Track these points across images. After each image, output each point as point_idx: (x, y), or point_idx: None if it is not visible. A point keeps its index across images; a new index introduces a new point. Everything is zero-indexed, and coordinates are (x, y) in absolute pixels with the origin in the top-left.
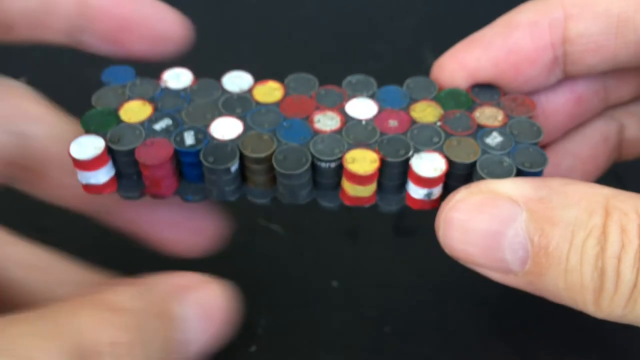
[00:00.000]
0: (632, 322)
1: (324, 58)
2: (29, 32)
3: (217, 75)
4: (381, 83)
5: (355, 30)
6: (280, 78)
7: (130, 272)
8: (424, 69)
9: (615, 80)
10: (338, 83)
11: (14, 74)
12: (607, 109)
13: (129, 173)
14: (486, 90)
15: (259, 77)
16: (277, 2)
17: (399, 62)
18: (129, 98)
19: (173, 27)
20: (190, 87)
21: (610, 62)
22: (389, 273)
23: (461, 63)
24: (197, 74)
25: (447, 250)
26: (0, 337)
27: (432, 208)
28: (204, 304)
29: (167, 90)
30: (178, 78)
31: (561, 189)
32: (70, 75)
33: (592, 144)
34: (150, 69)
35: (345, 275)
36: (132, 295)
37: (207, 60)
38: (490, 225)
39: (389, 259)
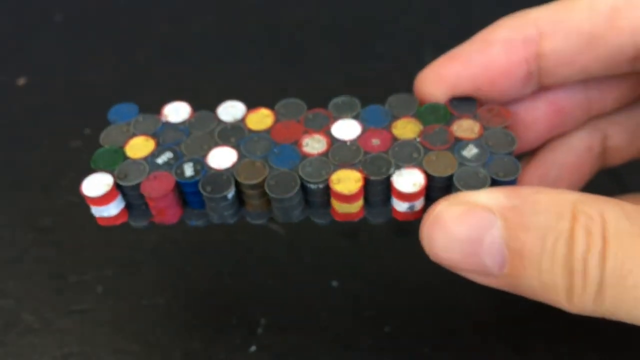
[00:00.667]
0: (603, 315)
1: (325, 58)
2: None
3: (219, 85)
4: (381, 84)
5: (356, 31)
6: (281, 81)
7: (130, 270)
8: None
9: (597, 92)
10: (338, 84)
11: (14, 75)
12: (591, 119)
13: (137, 204)
14: (464, 102)
15: (260, 81)
16: (277, 3)
17: (400, 62)
18: (134, 134)
19: None
20: (189, 119)
21: (583, 74)
22: (388, 273)
23: (441, 77)
24: (201, 79)
25: (432, 258)
26: None
27: (415, 219)
28: None
29: (167, 124)
30: (177, 112)
31: (532, 197)
32: (69, 75)
33: (577, 153)
34: (150, 103)
35: (344, 275)
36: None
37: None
38: (469, 234)
39: (388, 259)
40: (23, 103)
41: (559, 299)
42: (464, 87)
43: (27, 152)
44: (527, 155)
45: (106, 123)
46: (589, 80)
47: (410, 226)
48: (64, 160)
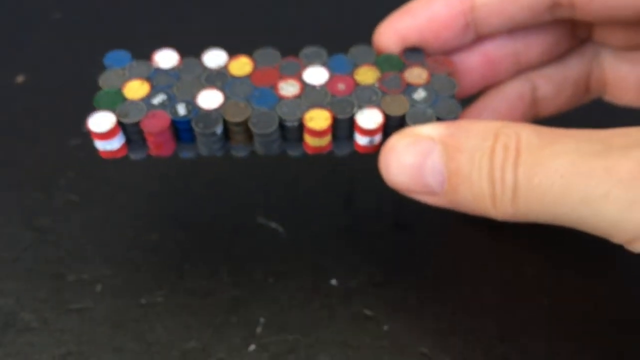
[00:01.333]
0: (521, 218)
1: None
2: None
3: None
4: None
5: (356, 32)
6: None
7: (131, 269)
8: None
9: (523, 44)
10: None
11: (13, 72)
12: (521, 71)
13: (136, 139)
14: (414, 53)
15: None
16: (278, 3)
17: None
18: (129, 78)
19: None
20: (178, 66)
21: (511, 23)
22: (387, 271)
23: (394, 30)
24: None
25: (388, 183)
26: None
27: (374, 152)
28: None
29: (158, 70)
30: (166, 58)
31: (466, 126)
32: (68, 73)
33: (509, 101)
34: (139, 50)
35: (344, 273)
36: None
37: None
38: (415, 159)
39: (387, 257)
40: (21, 101)
41: (487, 206)
42: (412, 38)
43: (26, 151)
44: (466, 103)
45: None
46: (516, 32)
47: (409, 224)
48: (62, 159)
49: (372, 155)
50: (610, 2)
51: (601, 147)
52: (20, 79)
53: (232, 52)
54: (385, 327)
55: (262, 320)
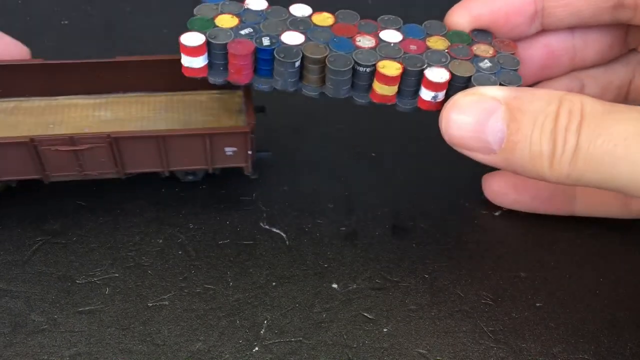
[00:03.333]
0: (576, 180)
1: None
2: None
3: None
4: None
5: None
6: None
7: (138, 272)
8: None
9: (582, 42)
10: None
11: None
12: (573, 70)
13: (218, 64)
14: (482, 33)
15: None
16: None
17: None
18: (221, 12)
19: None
20: (266, 9)
21: (575, 18)
22: (387, 275)
23: (468, 10)
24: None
25: (447, 137)
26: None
27: (436, 109)
28: None
29: (248, 10)
30: (257, 3)
31: (530, 91)
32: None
33: None
34: None
35: (344, 277)
36: None
37: None
38: (478, 116)
39: (387, 260)
40: None
41: (543, 166)
42: (484, 20)
43: None
44: None
45: None
46: (576, 30)
47: (408, 228)
48: None
49: (372, 164)
50: None
51: None
52: None
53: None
54: (385, 330)
55: (265, 322)
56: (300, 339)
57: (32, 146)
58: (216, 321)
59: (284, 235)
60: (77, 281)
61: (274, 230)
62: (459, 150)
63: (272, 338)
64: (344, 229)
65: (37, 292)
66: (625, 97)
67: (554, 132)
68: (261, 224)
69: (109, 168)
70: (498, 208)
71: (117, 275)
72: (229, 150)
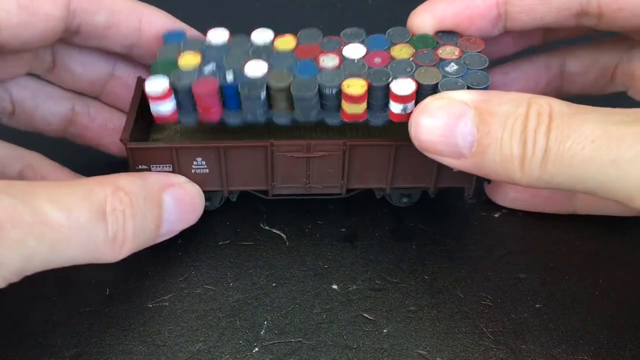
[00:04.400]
0: (547, 183)
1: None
2: (91, 40)
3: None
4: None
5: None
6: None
7: (136, 273)
8: None
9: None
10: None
11: None
12: (553, 49)
13: (187, 104)
14: (447, 35)
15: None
16: (279, 11)
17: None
18: (183, 51)
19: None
20: (227, 41)
21: (539, 22)
22: (386, 276)
23: (432, 13)
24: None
25: (417, 143)
26: (50, 191)
27: (407, 120)
28: (181, 199)
29: (210, 44)
30: (218, 35)
31: (499, 94)
32: None
33: (537, 67)
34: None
35: (344, 277)
36: (133, 181)
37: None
38: (447, 120)
39: (387, 262)
40: None
41: (514, 168)
42: (447, 22)
43: None
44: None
45: None
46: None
47: (407, 230)
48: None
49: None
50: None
51: (631, 118)
52: None
53: (278, 33)
54: (385, 330)
55: (265, 323)
56: (300, 339)
57: (271, 151)
58: (216, 322)
59: (284, 236)
60: (77, 282)
61: (274, 231)
62: (430, 155)
63: (272, 339)
64: (343, 230)
65: (37, 292)
66: (611, 79)
67: (524, 134)
68: (261, 225)
69: (334, 181)
70: (498, 209)
71: (117, 275)
72: None
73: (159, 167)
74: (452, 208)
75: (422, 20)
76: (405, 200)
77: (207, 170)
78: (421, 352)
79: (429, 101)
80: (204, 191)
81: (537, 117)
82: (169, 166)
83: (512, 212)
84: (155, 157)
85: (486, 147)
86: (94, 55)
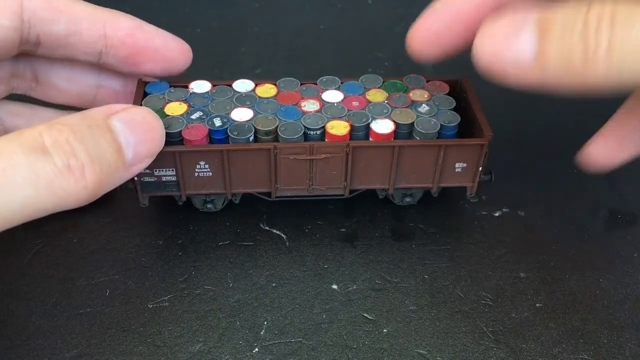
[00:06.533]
0: (615, 77)
1: (328, 65)
2: (56, 50)
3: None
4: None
5: (356, 38)
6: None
7: (137, 274)
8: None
9: None
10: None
11: None
12: None
13: None
14: (414, 79)
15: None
16: (280, 11)
17: (398, 67)
18: (169, 101)
19: (177, 53)
20: (210, 91)
21: None
22: (386, 276)
23: (426, 29)
24: (205, 79)
25: (480, 54)
26: None
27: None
28: (130, 119)
29: (194, 94)
30: (200, 86)
31: (558, 4)
32: None
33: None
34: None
35: (344, 277)
36: (70, 117)
37: (214, 67)
38: (510, 29)
39: (387, 261)
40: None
41: (578, 67)
42: (444, 35)
43: None
44: None
45: None
46: None
47: (407, 230)
48: None
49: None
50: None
51: None
52: None
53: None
54: (385, 330)
55: (265, 323)
56: (300, 339)
57: (274, 154)
58: (216, 322)
59: (284, 237)
60: (78, 283)
61: (274, 231)
62: (492, 69)
63: (272, 339)
64: (343, 230)
65: (38, 294)
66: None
67: (585, 29)
68: (261, 225)
69: (336, 182)
70: (498, 209)
71: (117, 276)
72: (459, 166)
73: (162, 170)
74: (452, 208)
75: (422, 41)
76: (407, 199)
77: (211, 174)
78: (421, 351)
79: (492, 20)
80: (207, 194)
81: (597, 15)
82: (173, 170)
83: (513, 211)
84: (158, 161)
85: (548, 51)
86: (76, 67)
